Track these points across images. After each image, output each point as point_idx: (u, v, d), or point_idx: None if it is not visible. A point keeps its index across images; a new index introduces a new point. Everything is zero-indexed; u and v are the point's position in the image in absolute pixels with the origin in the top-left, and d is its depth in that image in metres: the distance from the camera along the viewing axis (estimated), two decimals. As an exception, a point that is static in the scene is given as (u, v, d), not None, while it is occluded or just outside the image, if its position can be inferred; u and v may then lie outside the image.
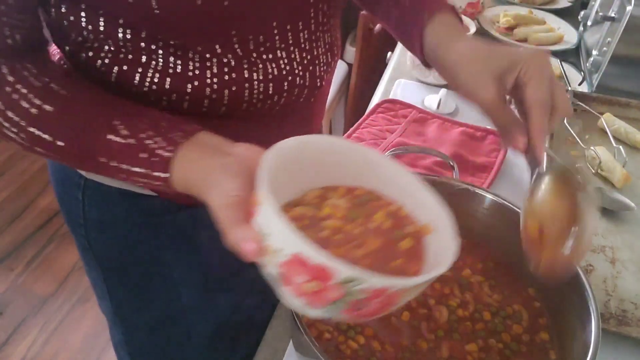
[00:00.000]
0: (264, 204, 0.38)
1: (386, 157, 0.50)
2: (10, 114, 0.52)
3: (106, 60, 0.57)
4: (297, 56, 0.63)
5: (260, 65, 0.60)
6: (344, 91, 2.06)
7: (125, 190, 0.68)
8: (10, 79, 0.52)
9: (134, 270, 0.77)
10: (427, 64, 0.65)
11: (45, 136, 0.52)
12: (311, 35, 0.64)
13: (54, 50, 0.62)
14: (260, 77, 0.60)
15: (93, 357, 1.65)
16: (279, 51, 0.61)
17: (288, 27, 0.60)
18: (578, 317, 0.56)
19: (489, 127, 1.04)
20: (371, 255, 0.42)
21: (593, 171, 0.97)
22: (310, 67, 0.65)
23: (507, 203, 0.66)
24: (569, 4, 1.60)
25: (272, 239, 0.38)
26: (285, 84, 0.62)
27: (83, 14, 0.55)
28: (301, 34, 0.62)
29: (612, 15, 1.17)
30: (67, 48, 0.58)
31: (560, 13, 1.54)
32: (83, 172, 0.69)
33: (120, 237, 0.73)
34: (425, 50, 0.63)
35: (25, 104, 0.52)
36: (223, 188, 0.43)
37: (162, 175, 0.49)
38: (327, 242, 0.42)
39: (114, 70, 0.57)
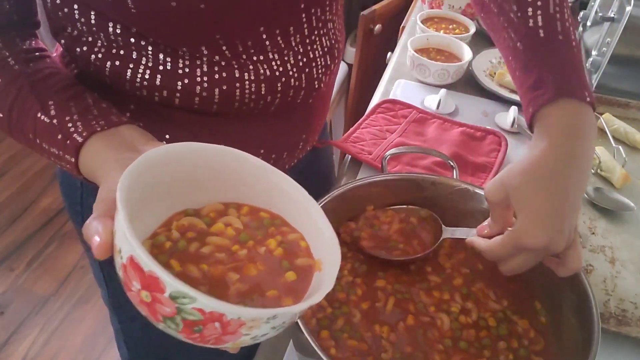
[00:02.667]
0: (117, 202, 0.36)
1: (294, 184, 0.47)
2: None
3: (99, 55, 0.58)
4: (291, 58, 0.63)
5: (251, 67, 0.60)
6: (344, 91, 2.06)
7: None
8: None
9: None
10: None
11: None
12: (305, 39, 0.63)
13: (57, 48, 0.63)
14: (252, 77, 0.60)
15: (93, 357, 1.65)
16: (270, 53, 0.60)
17: (277, 31, 0.60)
18: (578, 317, 0.56)
19: (488, 127, 1.04)
20: (247, 280, 0.40)
21: (592, 171, 0.97)
22: (307, 69, 0.65)
23: (506, 203, 0.66)
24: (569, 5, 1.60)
25: (116, 237, 0.37)
26: (279, 84, 0.62)
27: (76, 6, 0.55)
28: (292, 38, 0.62)
29: (612, 15, 1.17)
30: (62, 41, 0.59)
31: (560, 13, 1.53)
32: None
33: None
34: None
35: None
36: (109, 182, 0.42)
37: (69, 158, 0.49)
38: (204, 258, 0.40)
39: (107, 65, 0.58)
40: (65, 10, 0.56)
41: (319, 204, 0.62)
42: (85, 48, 0.58)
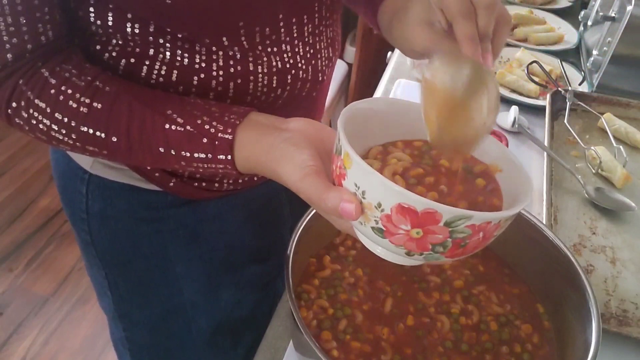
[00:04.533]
0: (354, 164, 0.39)
1: None
2: (58, 115, 0.52)
3: (114, 54, 0.57)
4: (301, 50, 0.63)
5: (265, 58, 0.60)
6: (344, 91, 2.06)
7: (129, 185, 0.68)
8: (53, 81, 0.52)
9: (135, 265, 0.77)
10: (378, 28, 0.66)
11: (98, 133, 0.52)
12: (314, 29, 0.64)
13: None
14: (265, 70, 0.61)
15: (93, 358, 1.65)
16: (283, 44, 0.61)
17: (293, 20, 0.61)
18: (578, 318, 0.56)
19: (489, 127, 1.04)
20: (457, 195, 0.43)
21: (593, 171, 0.97)
22: (313, 61, 0.65)
23: (507, 203, 0.66)
24: (570, 4, 1.60)
25: (369, 195, 0.39)
26: (289, 77, 0.63)
27: (92, 9, 0.55)
28: (305, 28, 0.63)
29: (613, 15, 1.17)
30: (75, 41, 0.58)
31: (560, 13, 1.54)
32: (87, 167, 0.69)
33: (122, 231, 0.73)
34: (381, 30, 0.65)
35: (73, 104, 0.52)
36: (296, 161, 0.44)
37: (226, 157, 0.50)
38: (414, 188, 0.42)
39: (121, 63, 0.57)
40: (80, 13, 0.55)
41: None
42: (98, 47, 0.57)
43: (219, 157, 0.50)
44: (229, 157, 0.50)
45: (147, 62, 0.57)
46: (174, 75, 0.58)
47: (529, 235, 0.63)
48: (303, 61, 0.64)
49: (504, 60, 1.30)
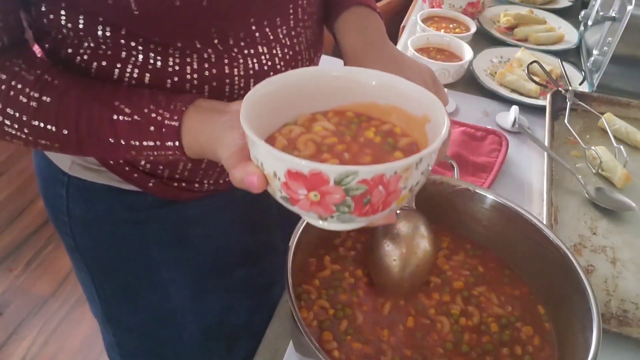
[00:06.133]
0: (248, 137, 0.40)
1: (367, 70, 0.50)
2: (10, 110, 0.52)
3: (85, 57, 0.57)
4: (279, 52, 0.63)
5: (242, 61, 0.60)
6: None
7: (109, 187, 0.68)
8: (3, 76, 0.52)
9: (121, 270, 0.76)
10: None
11: (49, 127, 0.53)
12: (290, 32, 0.64)
13: (36, 49, 0.62)
14: (242, 73, 0.60)
15: (92, 358, 1.65)
16: (259, 46, 0.61)
17: (265, 22, 0.60)
18: (579, 318, 0.56)
19: (489, 126, 1.04)
20: (362, 161, 0.44)
21: (594, 171, 0.97)
22: (293, 63, 0.65)
23: (507, 203, 0.66)
24: (570, 4, 1.60)
25: (265, 166, 0.41)
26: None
27: (63, 12, 0.55)
28: (279, 30, 0.62)
29: (613, 15, 1.17)
30: (46, 46, 0.59)
31: (560, 13, 1.54)
32: (66, 168, 0.69)
33: (105, 235, 0.73)
34: (335, 37, 0.69)
35: (23, 99, 0.52)
36: (226, 141, 0.46)
37: (174, 144, 0.51)
38: (319, 154, 0.44)
39: (93, 66, 0.57)
40: (51, 16, 0.55)
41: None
42: (70, 50, 0.57)
43: (167, 143, 0.51)
44: (177, 143, 0.51)
45: (118, 65, 0.57)
46: (147, 78, 0.57)
47: (529, 235, 0.63)
48: (282, 63, 0.63)
49: (504, 60, 1.30)
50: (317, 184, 0.38)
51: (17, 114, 0.52)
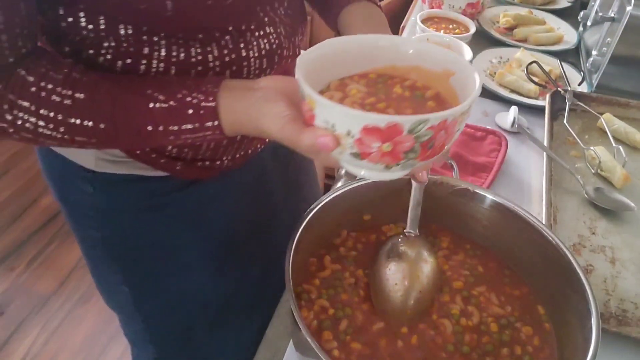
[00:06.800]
0: (318, 103, 0.43)
1: (391, 37, 0.54)
2: (44, 111, 0.53)
3: (108, 56, 0.58)
4: (282, 30, 0.67)
5: (255, 43, 0.64)
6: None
7: (134, 176, 0.71)
8: (31, 78, 0.52)
9: (147, 256, 0.79)
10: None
11: (86, 122, 0.53)
12: (287, 10, 0.69)
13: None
14: (256, 54, 0.64)
15: (94, 357, 1.65)
16: (267, 27, 0.65)
17: (267, 8, 0.65)
18: (578, 317, 0.56)
19: (489, 127, 1.05)
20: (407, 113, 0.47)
21: (593, 171, 0.97)
22: (292, 38, 0.70)
23: (507, 203, 0.66)
24: (569, 4, 1.60)
25: (338, 126, 0.43)
26: (276, 57, 0.67)
27: (82, 14, 0.55)
28: (278, 11, 0.66)
29: (612, 15, 1.17)
30: (66, 49, 0.59)
31: (560, 13, 1.54)
32: (90, 165, 0.70)
33: (131, 223, 0.76)
34: (339, 28, 0.74)
35: (56, 98, 0.52)
36: (273, 114, 0.48)
37: (213, 123, 0.53)
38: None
39: (117, 65, 0.58)
40: (70, 19, 0.56)
41: (319, 204, 0.62)
42: (92, 52, 0.58)
43: (206, 124, 0.53)
44: (216, 122, 0.53)
45: (144, 62, 0.58)
46: (172, 71, 0.59)
47: (528, 235, 0.64)
48: (285, 39, 0.68)
49: (503, 60, 1.31)
50: (392, 135, 0.42)
51: (52, 114, 0.53)
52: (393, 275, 0.60)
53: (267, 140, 0.81)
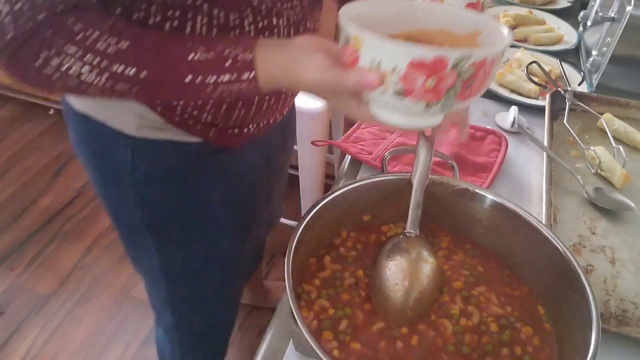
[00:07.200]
0: (365, 40, 0.45)
1: (425, 4, 0.56)
2: (89, 57, 0.54)
3: (157, 19, 0.62)
4: (306, 2, 0.72)
5: (284, 13, 0.69)
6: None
7: (171, 141, 0.75)
8: (79, 26, 0.54)
9: (180, 221, 0.85)
10: None
11: (128, 70, 0.55)
12: None
13: None
14: (284, 23, 0.69)
15: (94, 357, 1.65)
16: (287, 2, 0.69)
17: None
18: (578, 318, 0.56)
19: (489, 127, 1.05)
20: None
21: (593, 171, 0.97)
22: (313, 12, 0.75)
23: (507, 203, 0.66)
24: (569, 4, 1.60)
25: (384, 63, 0.45)
26: (301, 28, 0.72)
27: None
28: None
29: (612, 15, 1.17)
30: (117, 11, 0.61)
31: (560, 13, 1.54)
32: (132, 131, 0.74)
33: (168, 186, 0.81)
34: None
35: (102, 45, 0.54)
36: (313, 64, 0.51)
37: (249, 75, 0.55)
38: None
39: (166, 26, 0.62)
40: None
41: (319, 205, 0.62)
42: (142, 14, 0.61)
43: (242, 76, 0.55)
44: (252, 74, 0.55)
45: (189, 24, 0.62)
46: (214, 33, 0.63)
47: (528, 235, 0.64)
48: (309, 13, 0.73)
49: (503, 60, 1.30)
50: (436, 69, 0.43)
51: (97, 60, 0.54)
52: (393, 275, 0.60)
53: (284, 112, 0.86)
